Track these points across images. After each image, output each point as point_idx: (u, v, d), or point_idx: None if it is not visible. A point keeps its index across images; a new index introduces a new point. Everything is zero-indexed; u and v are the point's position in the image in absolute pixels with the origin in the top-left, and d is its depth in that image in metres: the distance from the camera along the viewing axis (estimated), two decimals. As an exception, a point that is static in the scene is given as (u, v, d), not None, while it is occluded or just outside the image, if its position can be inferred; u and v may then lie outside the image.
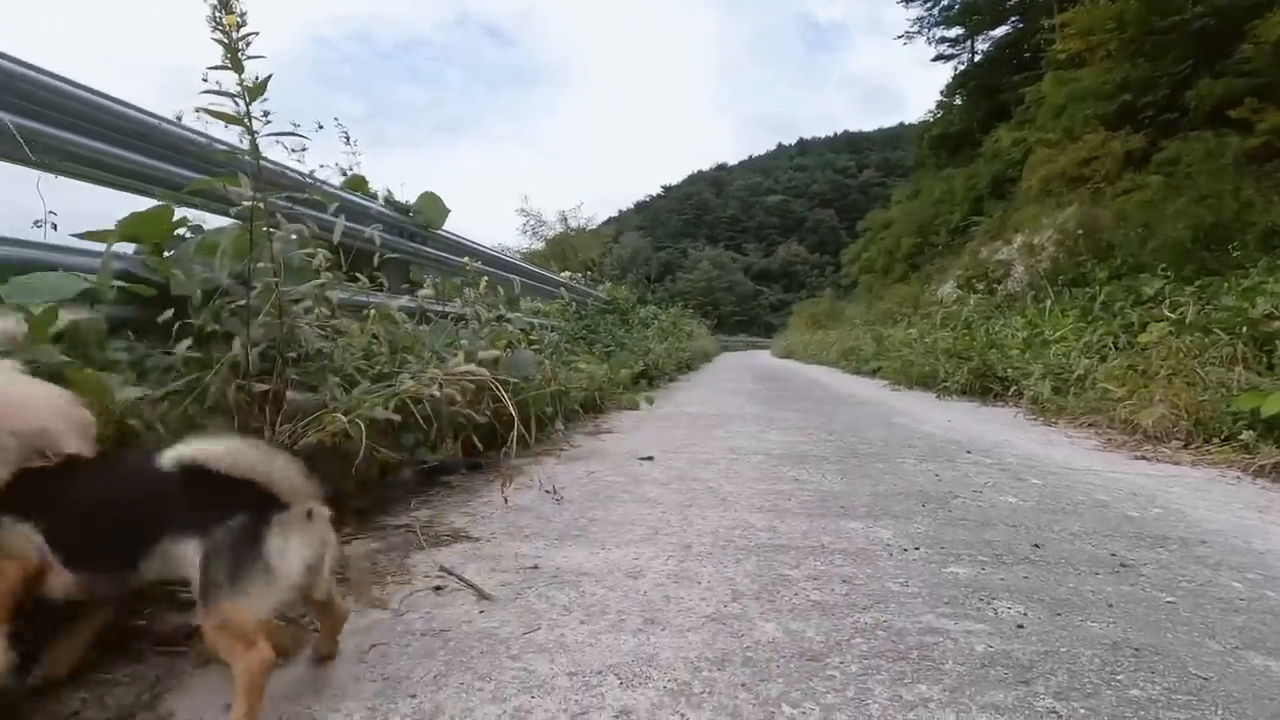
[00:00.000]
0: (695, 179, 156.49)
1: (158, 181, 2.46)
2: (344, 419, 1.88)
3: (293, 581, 1.03)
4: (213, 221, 2.62)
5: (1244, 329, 4.40)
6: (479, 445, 2.80)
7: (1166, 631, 1.39)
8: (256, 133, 1.91)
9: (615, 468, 3.04)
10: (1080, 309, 7.44)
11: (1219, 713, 1.09)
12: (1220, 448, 3.41)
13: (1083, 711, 1.08)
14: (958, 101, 26.09)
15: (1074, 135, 12.15)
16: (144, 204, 2.35)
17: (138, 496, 1.12)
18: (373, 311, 2.66)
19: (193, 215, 2.62)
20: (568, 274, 9.16)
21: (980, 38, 24.69)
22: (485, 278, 3.81)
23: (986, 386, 6.49)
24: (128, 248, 2.35)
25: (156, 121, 2.44)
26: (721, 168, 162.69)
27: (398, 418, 2.13)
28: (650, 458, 3.26)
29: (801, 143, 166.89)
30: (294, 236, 2.06)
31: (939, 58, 27.19)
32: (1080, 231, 9.94)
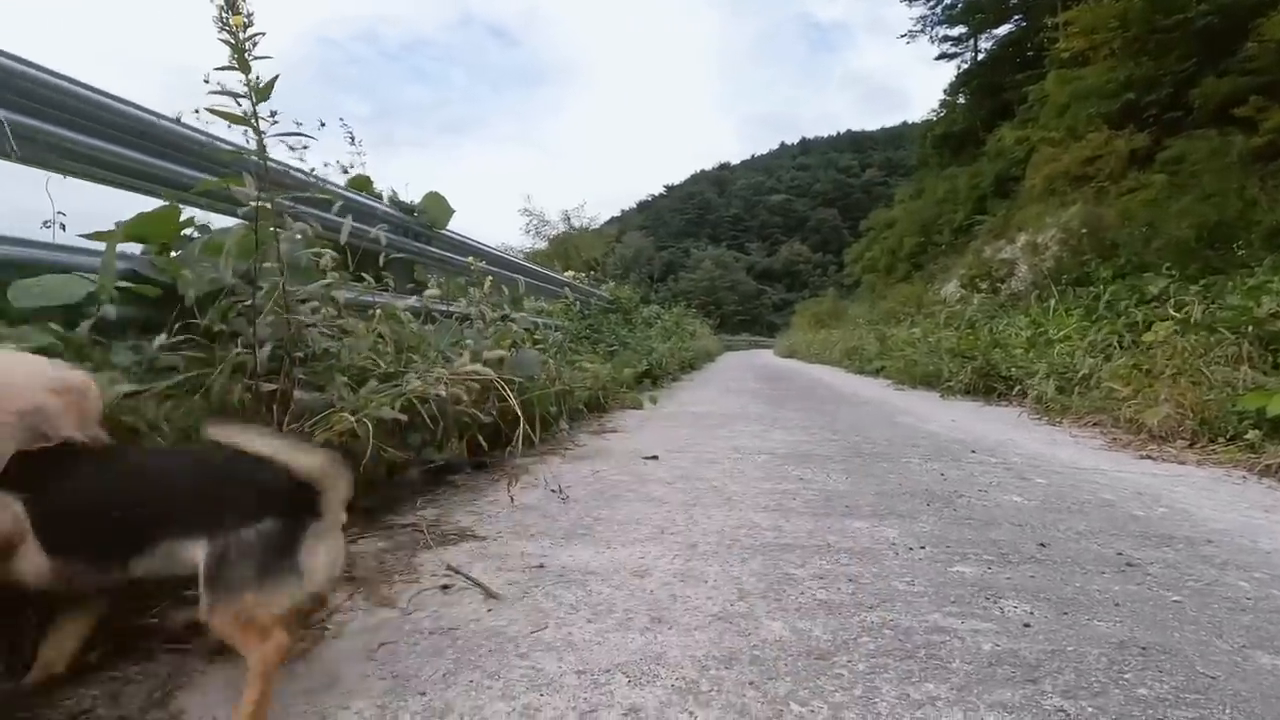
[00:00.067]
0: (698, 178, 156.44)
1: (162, 181, 2.47)
2: (351, 418, 1.89)
3: (317, 587, 1.09)
4: (219, 222, 2.63)
5: (1249, 328, 4.39)
6: (484, 445, 2.80)
7: (1174, 631, 1.39)
8: (263, 133, 1.92)
9: (620, 467, 3.04)
10: (1084, 308, 7.43)
11: (1227, 711, 1.09)
12: (1226, 447, 3.40)
13: (1091, 710, 1.08)
14: (961, 100, 26.06)
15: (1078, 134, 12.12)
16: (147, 204, 2.36)
17: (142, 493, 1.13)
18: (378, 311, 2.67)
19: (199, 215, 2.64)
20: (571, 274, 9.17)
21: (983, 36, 24.66)
22: (490, 277, 3.82)
23: (990, 386, 6.47)
24: (134, 248, 2.36)
25: (154, 119, 2.44)
26: (724, 167, 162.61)
27: (404, 417, 2.14)
28: (655, 457, 3.27)
29: (804, 142, 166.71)
30: (299, 236, 2.07)
31: (942, 56, 27.16)
32: (1084, 230, 9.92)
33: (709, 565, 1.77)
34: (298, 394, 1.92)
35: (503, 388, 2.65)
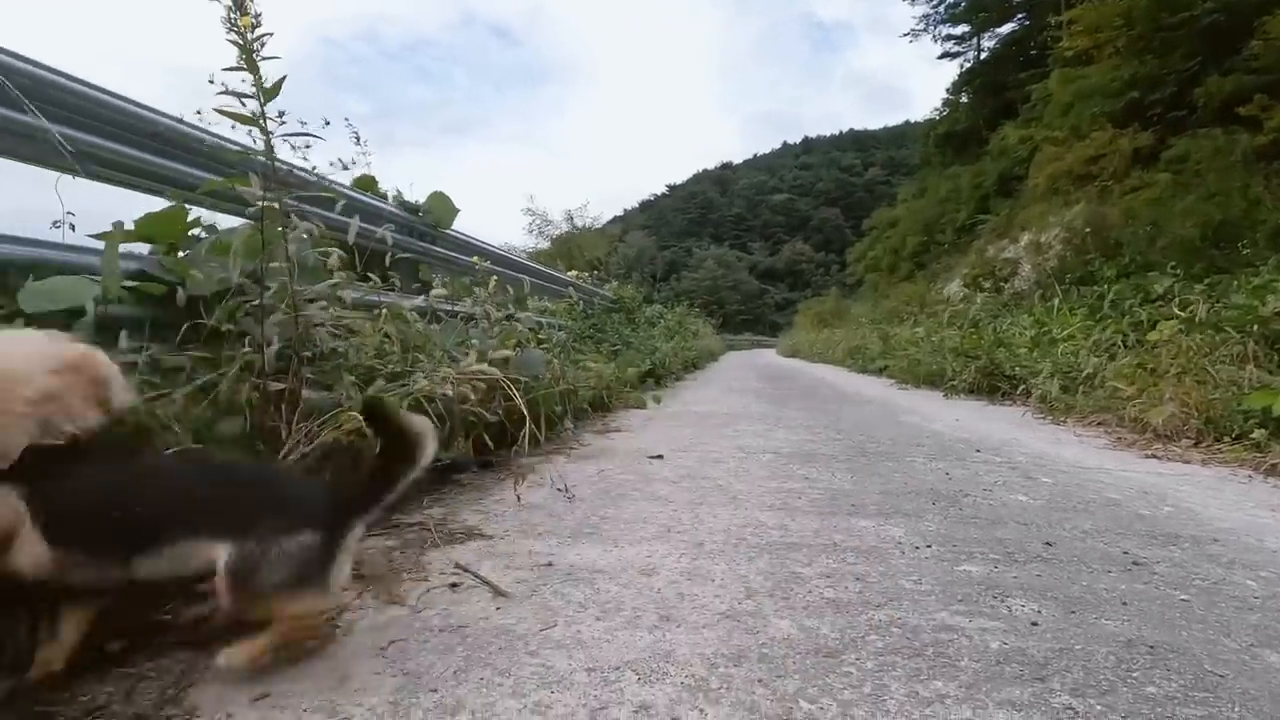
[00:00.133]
0: (700, 178, 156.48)
1: (170, 181, 2.48)
2: (360, 417, 1.90)
3: (339, 591, 1.21)
4: (225, 222, 2.64)
5: (1254, 327, 4.38)
6: (490, 444, 2.81)
7: (1181, 629, 1.40)
8: (271, 133, 1.92)
9: (625, 466, 3.05)
10: (1088, 307, 7.41)
11: (1236, 710, 1.09)
12: (1231, 446, 3.39)
13: (1100, 708, 1.09)
14: (964, 99, 26.04)
15: (1081, 133, 12.11)
16: (151, 203, 2.37)
17: (157, 495, 1.15)
18: (384, 311, 2.68)
19: (205, 216, 2.64)
20: (574, 273, 9.18)
21: (986, 35, 24.65)
22: (494, 277, 3.82)
23: (994, 385, 6.46)
24: (142, 248, 2.37)
25: (153, 115, 2.45)
26: (726, 166, 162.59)
27: (412, 416, 2.14)
28: (660, 456, 3.27)
29: (807, 141, 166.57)
30: (305, 236, 2.08)
31: (945, 55, 27.17)
32: (1088, 229, 9.90)
33: (716, 564, 1.77)
34: (306, 393, 1.93)
35: (509, 387, 2.65)
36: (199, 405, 1.76)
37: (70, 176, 2.10)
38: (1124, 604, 1.52)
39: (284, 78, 1.86)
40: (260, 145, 1.93)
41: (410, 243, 4.13)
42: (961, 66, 26.65)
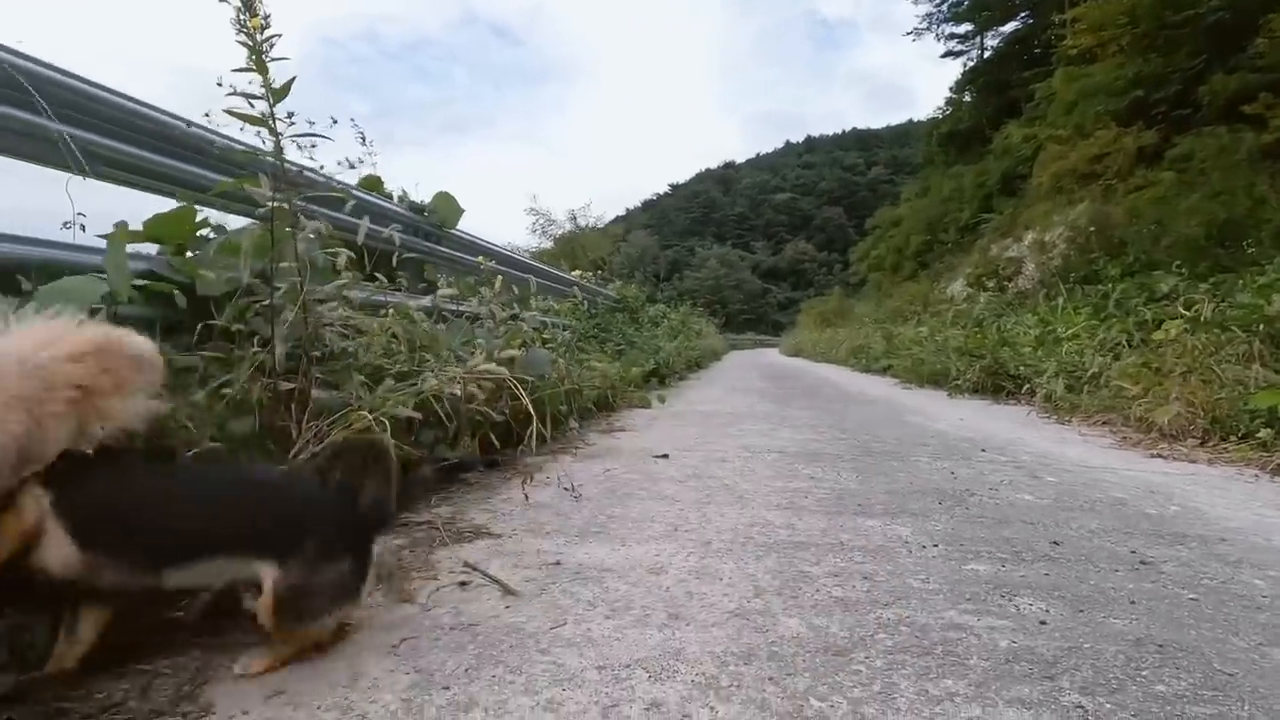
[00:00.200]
0: (703, 177, 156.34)
1: (179, 182, 2.49)
2: (369, 416, 1.91)
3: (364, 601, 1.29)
4: (234, 223, 2.65)
5: (1260, 326, 4.38)
6: (496, 443, 2.82)
7: (1190, 628, 1.40)
8: (280, 134, 1.93)
9: (631, 465, 3.06)
10: (1093, 306, 7.40)
11: (1245, 708, 1.09)
12: (1237, 445, 3.39)
13: (1109, 706, 1.09)
14: (967, 98, 25.98)
15: (1085, 131, 12.07)
16: (161, 205, 2.38)
17: (204, 509, 1.19)
18: (391, 311, 2.69)
19: (214, 216, 2.66)
20: (578, 273, 9.19)
21: (990, 33, 24.57)
22: (500, 277, 3.83)
23: (999, 385, 6.46)
24: (150, 248, 2.38)
25: (158, 115, 2.46)
26: (729, 166, 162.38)
27: (420, 416, 2.16)
28: (665, 455, 3.28)
29: (809, 140, 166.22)
30: (313, 236, 2.09)
31: (948, 54, 27.10)
32: (1092, 228, 9.87)
33: (724, 563, 1.78)
34: (316, 393, 1.93)
35: (516, 386, 2.66)
36: (213, 405, 1.77)
37: (80, 177, 2.11)
38: (1132, 603, 1.53)
39: (293, 79, 1.86)
40: (269, 146, 1.94)
41: (416, 243, 4.14)
42: (965, 65, 26.62)
